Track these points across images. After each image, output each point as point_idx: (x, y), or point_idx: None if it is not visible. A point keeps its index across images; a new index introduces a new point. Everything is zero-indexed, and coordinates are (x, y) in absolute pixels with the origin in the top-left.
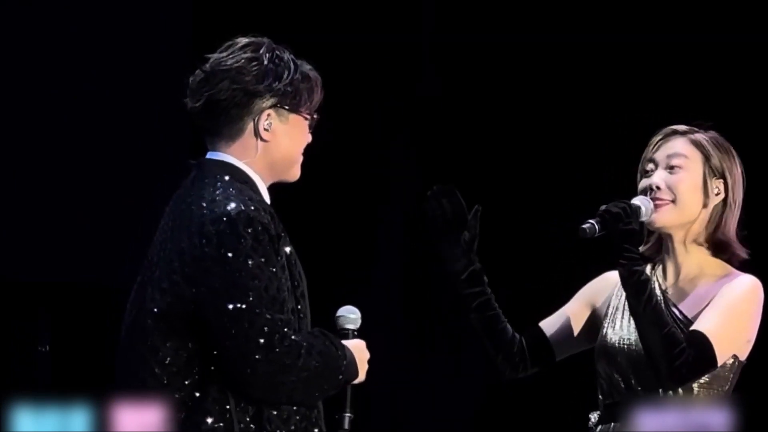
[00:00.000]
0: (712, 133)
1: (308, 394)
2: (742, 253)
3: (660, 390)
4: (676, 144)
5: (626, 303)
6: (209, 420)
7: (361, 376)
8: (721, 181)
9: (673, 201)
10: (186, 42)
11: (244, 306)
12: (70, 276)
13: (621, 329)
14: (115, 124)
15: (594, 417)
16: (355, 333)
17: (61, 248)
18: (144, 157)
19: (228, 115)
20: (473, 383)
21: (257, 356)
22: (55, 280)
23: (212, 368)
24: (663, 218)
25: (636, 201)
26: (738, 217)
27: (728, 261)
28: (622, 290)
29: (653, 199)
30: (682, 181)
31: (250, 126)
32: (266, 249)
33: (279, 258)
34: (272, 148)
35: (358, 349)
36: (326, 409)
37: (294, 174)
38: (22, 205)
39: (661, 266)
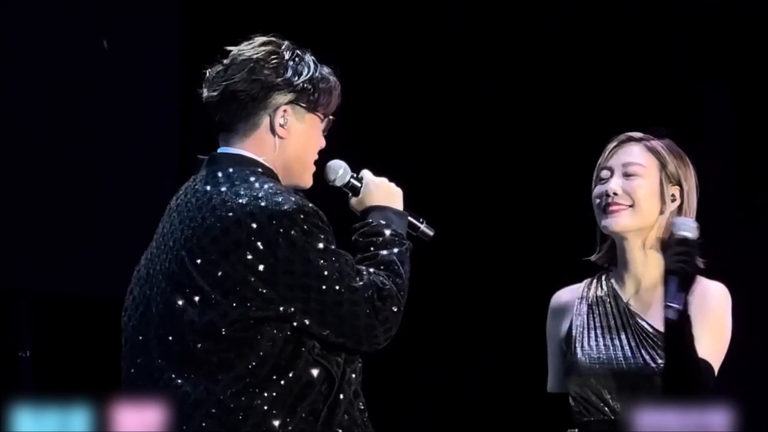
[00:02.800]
0: (667, 141)
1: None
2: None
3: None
4: (632, 151)
5: (594, 322)
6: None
7: (399, 198)
8: (677, 187)
9: (631, 206)
10: (175, 58)
11: (338, 287)
12: (54, 285)
13: (591, 348)
14: (99, 136)
15: None
16: (355, 175)
17: (46, 257)
18: (131, 168)
19: (244, 108)
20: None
21: (374, 323)
22: (38, 289)
23: (286, 365)
24: (621, 222)
25: (683, 225)
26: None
27: None
28: (584, 308)
29: (610, 204)
30: (640, 187)
31: (266, 121)
32: (325, 232)
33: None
34: (287, 146)
35: (381, 189)
36: None
37: (307, 180)
38: (5, 211)
39: (616, 275)
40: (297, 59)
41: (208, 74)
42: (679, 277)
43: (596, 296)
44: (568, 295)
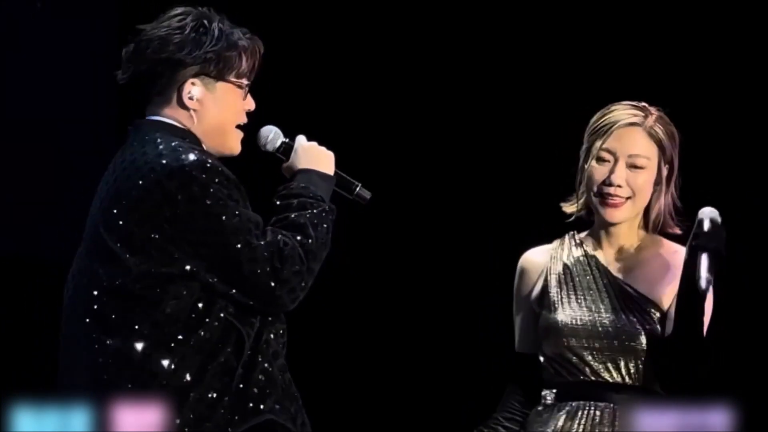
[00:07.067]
0: (661, 117)
1: (326, 244)
2: (677, 229)
3: (617, 367)
4: (637, 140)
5: (573, 283)
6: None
7: (329, 162)
8: (667, 166)
9: (631, 197)
10: (112, 22)
11: (238, 245)
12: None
13: (573, 310)
14: (43, 100)
15: (550, 395)
16: (287, 141)
17: None
18: (72, 131)
19: (154, 87)
20: None
21: (272, 284)
22: None
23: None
24: (622, 215)
25: (710, 212)
26: (674, 194)
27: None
28: (558, 269)
29: (612, 195)
30: (642, 180)
31: (176, 96)
32: (227, 188)
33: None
34: (203, 116)
35: (309, 153)
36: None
37: (232, 147)
38: None
39: (593, 237)
40: (201, 30)
41: (123, 55)
42: (711, 255)
43: (573, 257)
44: (539, 255)
